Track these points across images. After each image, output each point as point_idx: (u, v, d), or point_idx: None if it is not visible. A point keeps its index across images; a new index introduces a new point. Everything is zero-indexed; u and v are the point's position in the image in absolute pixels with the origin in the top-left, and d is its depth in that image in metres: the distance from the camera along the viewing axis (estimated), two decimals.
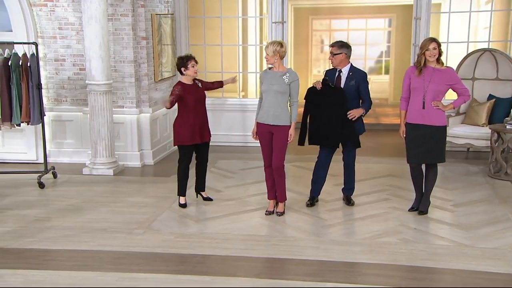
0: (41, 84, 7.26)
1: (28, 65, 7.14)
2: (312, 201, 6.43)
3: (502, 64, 8.44)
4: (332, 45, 6.16)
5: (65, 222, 5.98)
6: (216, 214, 6.19)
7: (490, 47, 8.75)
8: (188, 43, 9.40)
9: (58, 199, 6.78)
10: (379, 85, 12.42)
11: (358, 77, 6.09)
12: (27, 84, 7.16)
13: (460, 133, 8.19)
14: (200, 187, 6.64)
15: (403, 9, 11.80)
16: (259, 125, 6.01)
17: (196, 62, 6.24)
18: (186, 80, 6.27)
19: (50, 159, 7.84)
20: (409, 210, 6.19)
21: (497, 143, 7.42)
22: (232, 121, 9.37)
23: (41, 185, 7.17)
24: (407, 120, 5.97)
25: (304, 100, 6.19)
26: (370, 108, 6.17)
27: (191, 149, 6.34)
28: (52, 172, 7.56)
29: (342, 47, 6.08)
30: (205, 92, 6.44)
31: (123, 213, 6.24)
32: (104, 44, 7.55)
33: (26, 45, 7.58)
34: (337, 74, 6.12)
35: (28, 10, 8.08)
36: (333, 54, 6.08)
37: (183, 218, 6.09)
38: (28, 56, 7.21)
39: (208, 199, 6.62)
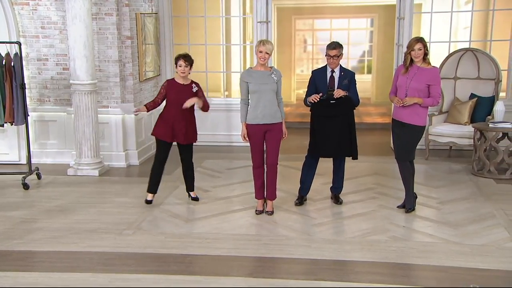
0: (24, 84, 7.16)
1: (12, 64, 7.04)
2: (301, 200, 6.46)
3: (484, 63, 8.56)
4: (334, 48, 6.01)
5: (52, 224, 5.90)
6: (206, 214, 6.18)
7: (471, 47, 8.89)
8: (172, 42, 9.36)
9: (44, 200, 6.68)
10: (362, 85, 12.41)
11: (349, 76, 6.14)
12: (10, 84, 7.06)
13: (443, 131, 8.29)
14: (188, 187, 6.62)
15: (385, 9, 11.91)
16: (252, 126, 5.93)
17: (186, 62, 6.12)
18: (178, 78, 6.26)
19: (32, 160, 7.71)
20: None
21: (480, 141, 7.54)
22: (216, 120, 9.35)
23: (26, 186, 7.06)
24: (392, 116, 6.15)
25: (310, 112, 6.22)
26: (358, 104, 6.18)
27: (163, 145, 6.28)
28: (36, 173, 7.46)
29: (342, 48, 6.10)
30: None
31: (111, 213, 6.19)
32: (89, 43, 7.48)
33: (9, 45, 7.46)
34: (329, 74, 6.13)
35: (9, 8, 7.95)
36: (336, 56, 6.02)
37: (172, 218, 6.06)
38: (12, 55, 7.10)
39: (194, 199, 6.61)
